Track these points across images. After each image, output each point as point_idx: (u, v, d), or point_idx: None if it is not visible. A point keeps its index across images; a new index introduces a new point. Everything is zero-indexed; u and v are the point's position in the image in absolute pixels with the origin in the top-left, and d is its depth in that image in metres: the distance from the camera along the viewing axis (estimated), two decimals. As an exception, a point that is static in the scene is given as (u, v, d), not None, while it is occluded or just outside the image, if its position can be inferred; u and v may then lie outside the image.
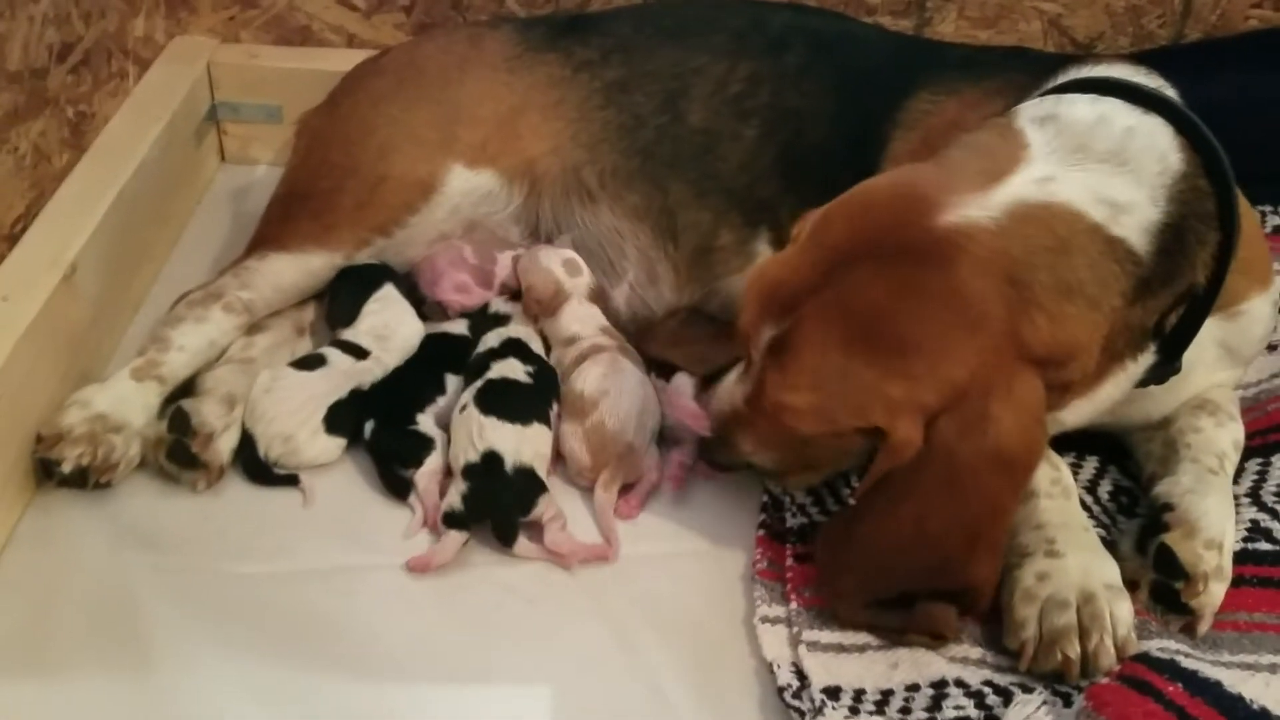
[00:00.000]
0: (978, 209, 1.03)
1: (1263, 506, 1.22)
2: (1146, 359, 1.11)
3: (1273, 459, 1.28)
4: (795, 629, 1.13)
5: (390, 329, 1.39)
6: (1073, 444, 1.30)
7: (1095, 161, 1.07)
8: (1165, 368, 1.13)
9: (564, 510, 1.24)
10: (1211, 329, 1.19)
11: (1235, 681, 1.03)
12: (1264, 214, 1.68)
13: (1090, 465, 1.32)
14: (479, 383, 1.31)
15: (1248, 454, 1.28)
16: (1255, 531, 1.19)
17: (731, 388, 1.18)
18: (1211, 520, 1.14)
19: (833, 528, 1.14)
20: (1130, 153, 1.08)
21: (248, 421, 1.27)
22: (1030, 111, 1.12)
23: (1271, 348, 1.42)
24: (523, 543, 1.21)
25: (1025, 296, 1.01)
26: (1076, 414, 1.12)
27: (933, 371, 1.00)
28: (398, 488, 1.27)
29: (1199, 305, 1.10)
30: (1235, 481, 1.25)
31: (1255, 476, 1.27)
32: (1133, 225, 1.05)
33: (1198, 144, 1.10)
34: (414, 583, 1.19)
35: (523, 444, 1.24)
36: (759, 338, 1.09)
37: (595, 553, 1.22)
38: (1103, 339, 1.05)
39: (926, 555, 1.06)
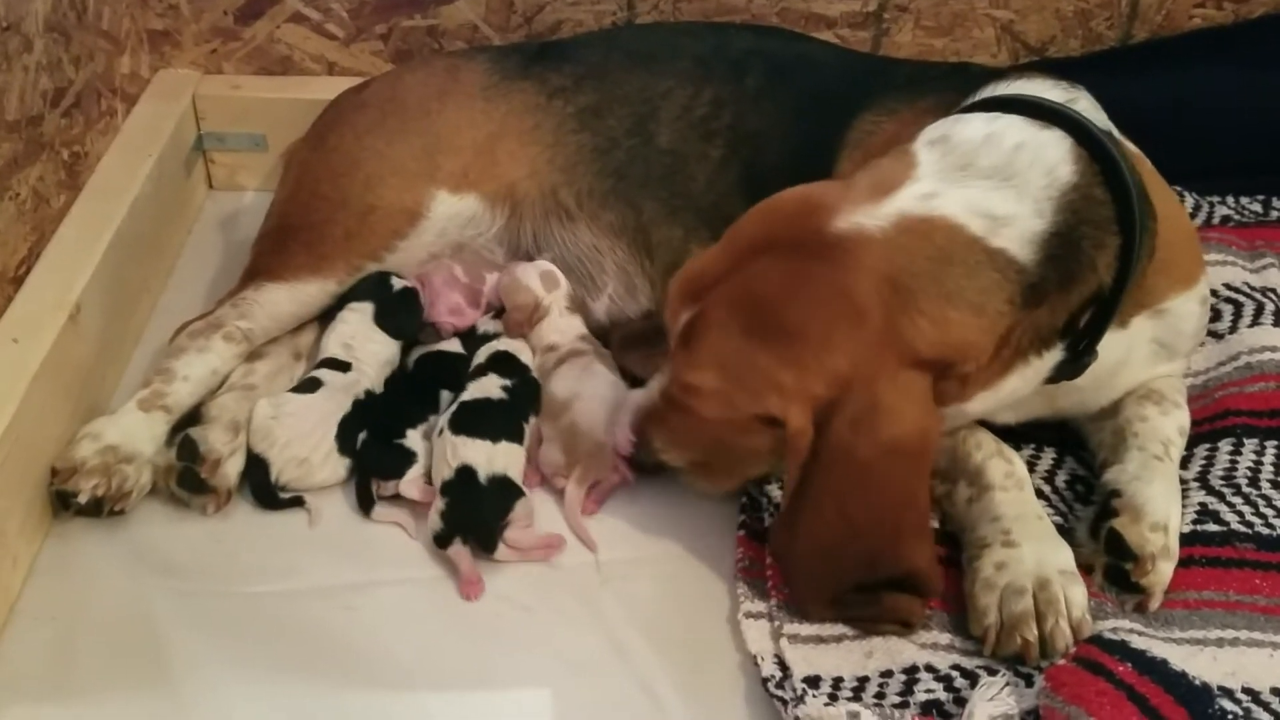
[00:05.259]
0: (866, 218, 1.12)
1: (1210, 490, 1.30)
2: (1053, 356, 1.19)
3: (1220, 444, 1.36)
4: (776, 623, 1.20)
5: (356, 339, 1.45)
6: (1032, 436, 1.38)
7: (979, 178, 1.15)
8: (1074, 364, 1.20)
9: (539, 511, 1.32)
10: (1142, 326, 1.27)
11: (1183, 657, 1.12)
12: (1212, 204, 1.77)
13: (1048, 456, 1.39)
14: (453, 406, 1.38)
15: (1196, 440, 1.36)
16: (1204, 514, 1.27)
17: (652, 384, 1.28)
18: (1157, 504, 1.22)
19: (776, 537, 1.22)
20: (1016, 168, 1.15)
21: (260, 447, 1.33)
22: (927, 134, 1.20)
23: (1219, 337, 1.50)
24: (502, 549, 1.27)
25: (906, 300, 1.10)
26: (981, 404, 1.19)
27: (818, 360, 1.10)
28: (365, 502, 1.33)
29: (1105, 306, 1.18)
30: (1185, 466, 1.33)
31: (1204, 461, 1.35)
32: (1013, 236, 1.13)
33: (1096, 154, 1.18)
34: (416, 595, 1.26)
35: (494, 457, 1.31)
36: (676, 327, 1.18)
37: (547, 542, 1.29)
38: (998, 339, 1.13)
39: (859, 548, 1.14)
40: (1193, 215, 1.71)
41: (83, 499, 1.27)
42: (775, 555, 1.23)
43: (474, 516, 1.27)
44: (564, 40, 1.71)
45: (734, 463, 1.26)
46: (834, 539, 1.14)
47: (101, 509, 1.28)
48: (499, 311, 1.54)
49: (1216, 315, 1.50)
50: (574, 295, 1.52)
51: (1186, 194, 1.73)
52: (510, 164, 1.52)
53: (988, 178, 1.15)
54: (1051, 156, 1.17)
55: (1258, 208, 1.76)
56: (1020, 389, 1.19)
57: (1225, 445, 1.35)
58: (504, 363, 1.45)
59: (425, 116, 1.53)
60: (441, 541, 1.27)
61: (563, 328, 1.49)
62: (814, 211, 1.13)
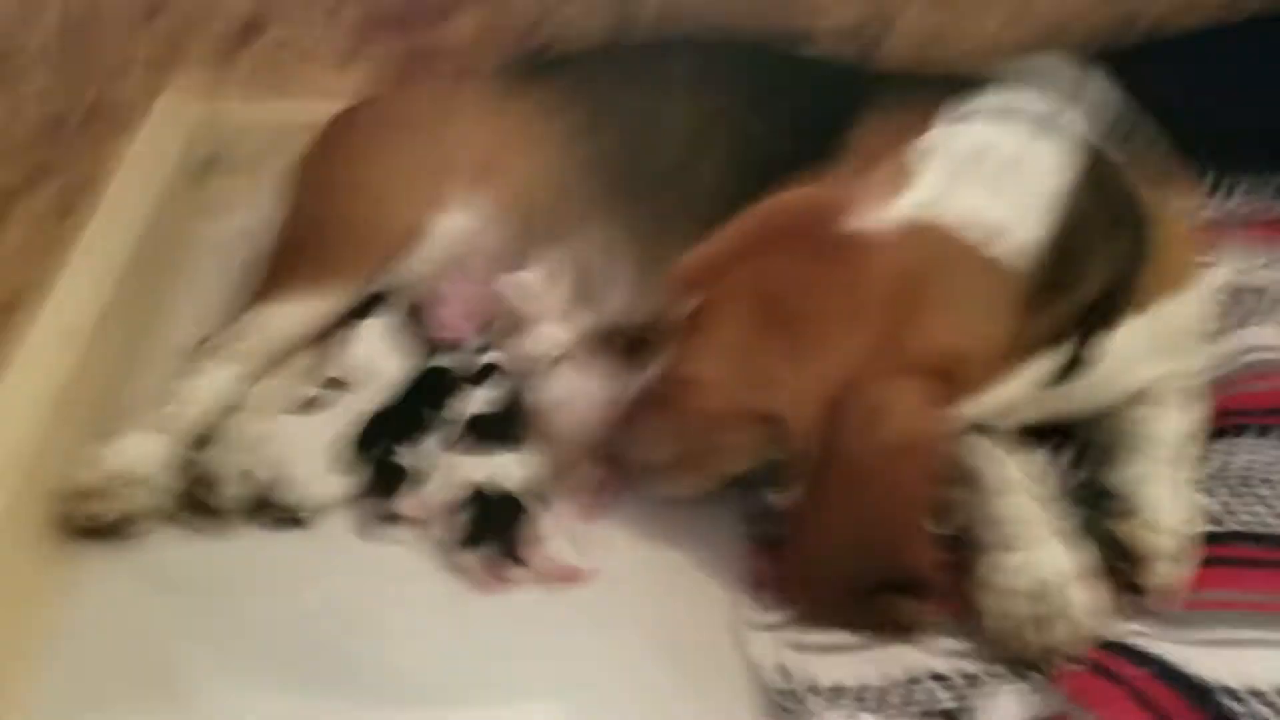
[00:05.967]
0: (877, 220, 1.13)
1: (1216, 489, 1.29)
2: (1050, 361, 1.19)
3: (1223, 443, 1.34)
4: (782, 632, 1.21)
5: (361, 358, 1.46)
6: (1050, 432, 1.36)
7: (976, 185, 1.15)
8: (1072, 369, 1.21)
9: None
10: (1137, 327, 1.26)
11: (1194, 659, 1.11)
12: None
13: (1062, 456, 1.37)
14: (451, 424, 1.38)
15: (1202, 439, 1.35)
16: (1209, 514, 1.26)
17: (635, 380, 1.28)
18: (1160, 506, 1.23)
19: (785, 542, 1.22)
20: (1013, 176, 1.16)
21: (262, 468, 1.34)
22: (925, 140, 1.21)
23: (1220, 335, 1.48)
24: (515, 569, 1.28)
25: (912, 305, 1.10)
26: (977, 408, 1.19)
27: (824, 360, 1.10)
28: (368, 521, 1.34)
29: (1104, 312, 1.18)
30: (1190, 467, 1.31)
31: (1209, 461, 1.33)
32: (1011, 245, 1.14)
33: (1094, 162, 1.18)
34: (420, 611, 1.26)
35: (499, 472, 1.32)
36: (676, 317, 1.19)
37: (567, 573, 1.28)
38: (995, 345, 1.13)
39: (863, 550, 1.14)
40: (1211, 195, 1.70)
41: (92, 523, 1.29)
42: (783, 561, 1.23)
43: (486, 535, 1.28)
44: (561, 56, 1.73)
45: (716, 460, 1.25)
46: (839, 541, 1.15)
47: (111, 533, 1.30)
48: (498, 322, 1.54)
49: (1220, 313, 1.49)
50: (568, 300, 1.53)
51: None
52: (514, 177, 1.54)
53: (986, 185, 1.15)
54: (1048, 165, 1.17)
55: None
56: (1016, 394, 1.20)
57: (1222, 445, 1.34)
58: (492, 375, 1.45)
59: (427, 132, 1.55)
60: (454, 552, 1.28)
61: (552, 332, 1.49)
62: (826, 211, 1.15)
